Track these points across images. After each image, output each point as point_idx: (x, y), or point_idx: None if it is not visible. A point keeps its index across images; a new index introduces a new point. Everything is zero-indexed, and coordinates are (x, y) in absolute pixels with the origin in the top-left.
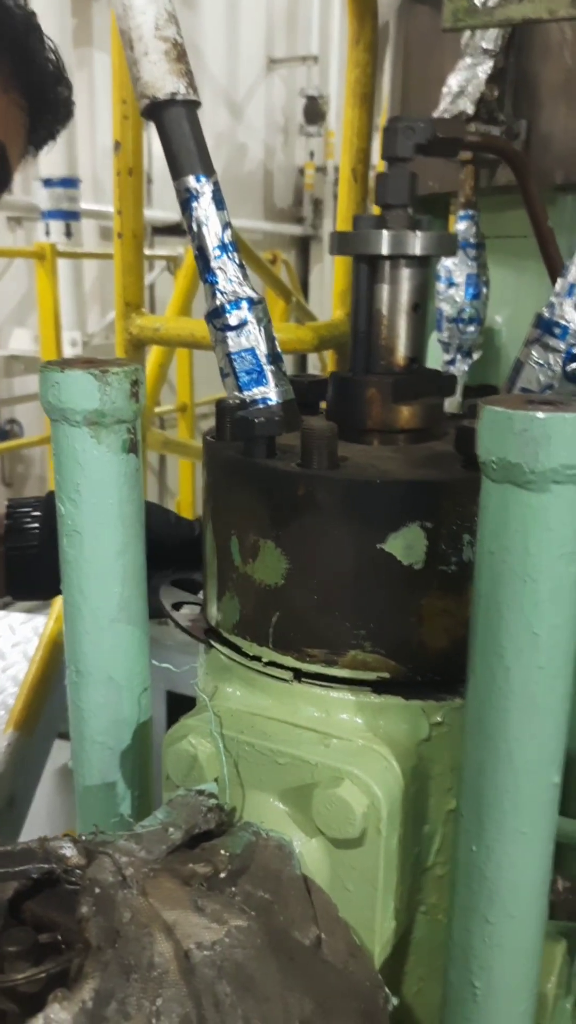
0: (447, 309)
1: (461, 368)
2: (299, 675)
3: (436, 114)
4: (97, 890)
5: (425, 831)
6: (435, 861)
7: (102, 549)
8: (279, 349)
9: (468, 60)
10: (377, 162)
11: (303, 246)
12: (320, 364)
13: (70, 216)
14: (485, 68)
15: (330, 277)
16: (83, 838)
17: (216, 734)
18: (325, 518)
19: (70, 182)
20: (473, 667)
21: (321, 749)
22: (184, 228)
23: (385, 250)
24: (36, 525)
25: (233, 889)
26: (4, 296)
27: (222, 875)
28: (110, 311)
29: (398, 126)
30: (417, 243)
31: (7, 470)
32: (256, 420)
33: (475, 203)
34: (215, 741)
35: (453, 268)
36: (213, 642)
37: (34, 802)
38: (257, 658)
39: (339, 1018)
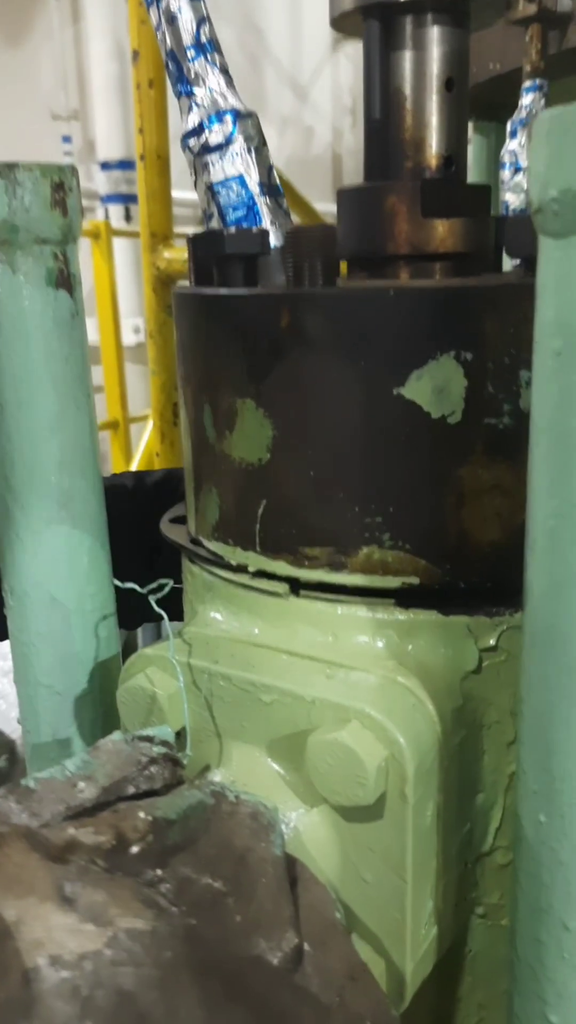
0: (513, 200)
1: None
2: (296, 586)
3: None
4: None
5: (479, 802)
6: (496, 845)
7: (28, 421)
8: (278, 181)
9: None
10: None
11: None
12: None
13: (129, 199)
14: None
15: None
16: None
17: (176, 662)
18: (319, 357)
19: (128, 164)
20: (534, 552)
21: (321, 681)
22: None
23: None
24: None
25: (159, 872)
26: None
27: (134, 849)
28: None
29: None
30: None
31: None
32: (226, 232)
33: (543, 70)
34: (176, 673)
35: (519, 151)
36: (193, 556)
37: None
38: (243, 568)
39: None
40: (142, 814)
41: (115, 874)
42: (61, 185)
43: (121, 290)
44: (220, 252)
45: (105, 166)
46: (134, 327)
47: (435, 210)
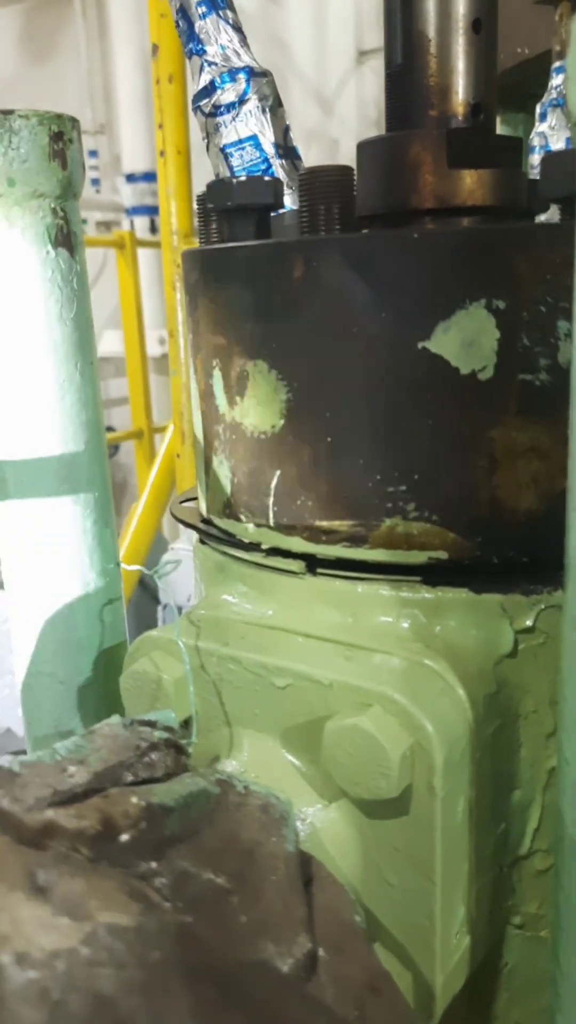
0: None
1: None
2: (313, 564)
3: None
4: None
5: (515, 800)
6: (534, 848)
7: (26, 388)
8: (295, 143)
9: None
10: None
11: None
12: None
13: (155, 211)
14: None
15: None
16: None
17: (182, 644)
18: (335, 311)
19: (153, 176)
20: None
21: (339, 663)
22: None
23: None
24: None
25: (153, 865)
26: (102, 301)
27: (124, 837)
28: None
29: None
30: None
31: None
32: (235, 181)
33: None
34: (182, 655)
35: (549, 133)
36: (203, 536)
37: None
38: (256, 546)
39: None
40: (135, 799)
41: (100, 864)
42: (60, 135)
43: (146, 301)
44: (229, 203)
45: (131, 178)
46: (159, 338)
47: (462, 160)
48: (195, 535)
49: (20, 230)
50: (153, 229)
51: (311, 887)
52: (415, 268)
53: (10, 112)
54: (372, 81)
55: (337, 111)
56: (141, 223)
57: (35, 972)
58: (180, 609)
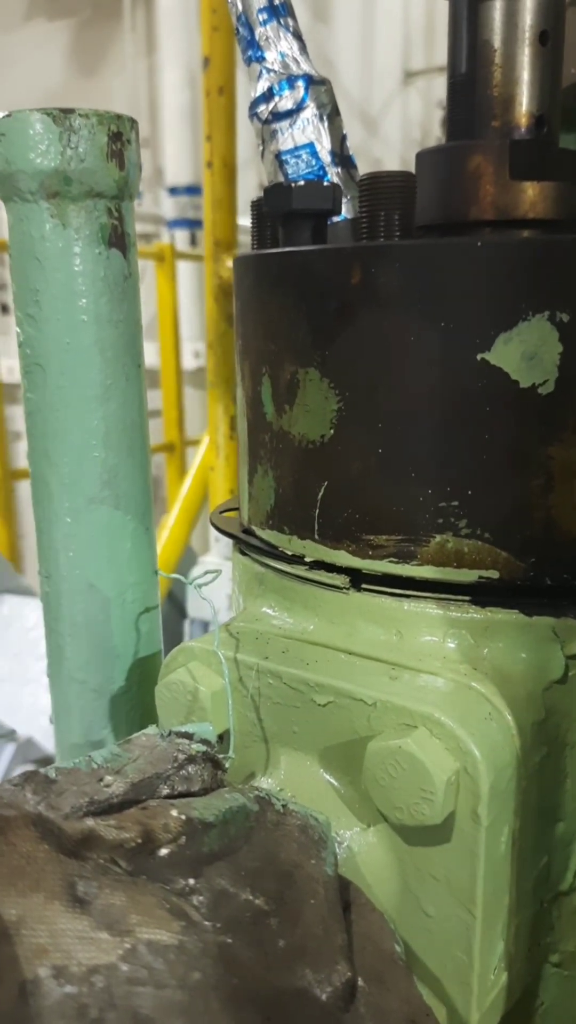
0: None
1: None
2: (358, 579)
3: None
4: None
5: (559, 833)
6: (575, 885)
7: (73, 390)
8: (351, 152)
9: None
10: None
11: None
12: None
13: (195, 224)
14: None
15: None
16: None
17: (221, 655)
18: (393, 319)
19: (195, 190)
20: None
21: (384, 682)
22: None
23: None
24: None
25: (191, 882)
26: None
27: (163, 852)
28: None
29: None
30: None
31: None
32: (294, 185)
33: None
34: (221, 667)
35: None
36: (243, 547)
37: None
38: (299, 559)
39: None
40: (175, 812)
41: (139, 878)
42: (119, 135)
43: (182, 314)
44: (287, 208)
45: (173, 191)
46: (195, 351)
47: (525, 172)
48: (233, 546)
49: (75, 229)
50: (193, 242)
51: (349, 913)
52: (477, 277)
53: (70, 111)
54: (417, 102)
55: (381, 131)
56: (181, 236)
57: (73, 987)
58: (207, 626)
